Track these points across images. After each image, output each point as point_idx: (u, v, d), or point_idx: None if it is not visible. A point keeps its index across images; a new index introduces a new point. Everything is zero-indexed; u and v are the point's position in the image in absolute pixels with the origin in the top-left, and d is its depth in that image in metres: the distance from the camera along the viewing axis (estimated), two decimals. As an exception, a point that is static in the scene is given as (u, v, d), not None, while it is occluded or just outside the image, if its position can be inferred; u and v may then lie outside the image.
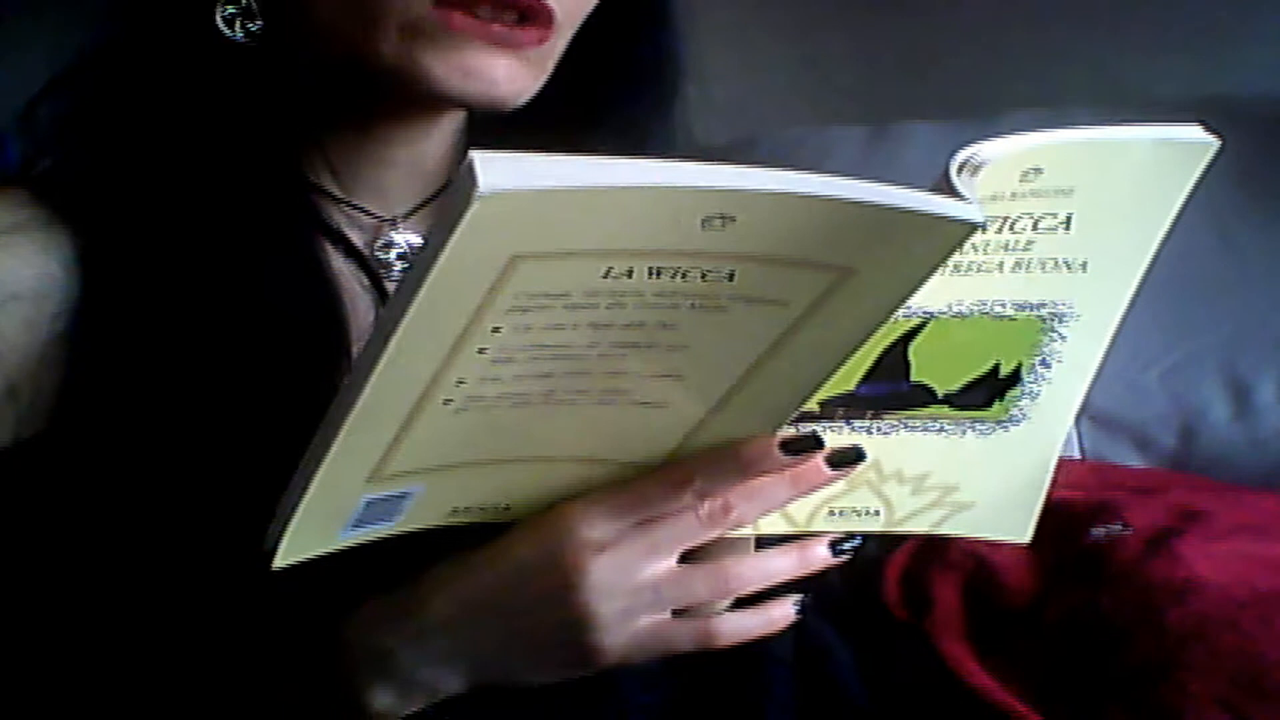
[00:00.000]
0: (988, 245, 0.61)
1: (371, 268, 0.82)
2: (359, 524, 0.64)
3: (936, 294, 0.62)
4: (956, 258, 0.59)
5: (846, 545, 0.69)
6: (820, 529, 0.70)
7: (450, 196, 0.47)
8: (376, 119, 0.81)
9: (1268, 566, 1.07)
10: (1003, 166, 0.57)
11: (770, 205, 0.51)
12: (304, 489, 0.59)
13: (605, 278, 0.53)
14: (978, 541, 0.88)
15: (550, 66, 0.77)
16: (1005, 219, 0.60)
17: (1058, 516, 0.74)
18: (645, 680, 0.80)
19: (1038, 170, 0.58)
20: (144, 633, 0.71)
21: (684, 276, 0.54)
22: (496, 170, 0.46)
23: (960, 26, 1.74)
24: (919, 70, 1.76)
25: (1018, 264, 0.62)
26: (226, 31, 0.77)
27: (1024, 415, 0.69)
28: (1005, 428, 0.69)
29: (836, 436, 0.66)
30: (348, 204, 0.82)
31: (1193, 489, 1.29)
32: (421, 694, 0.68)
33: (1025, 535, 0.74)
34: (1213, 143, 0.61)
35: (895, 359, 0.64)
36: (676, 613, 0.67)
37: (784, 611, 0.70)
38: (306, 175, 0.82)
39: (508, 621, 0.66)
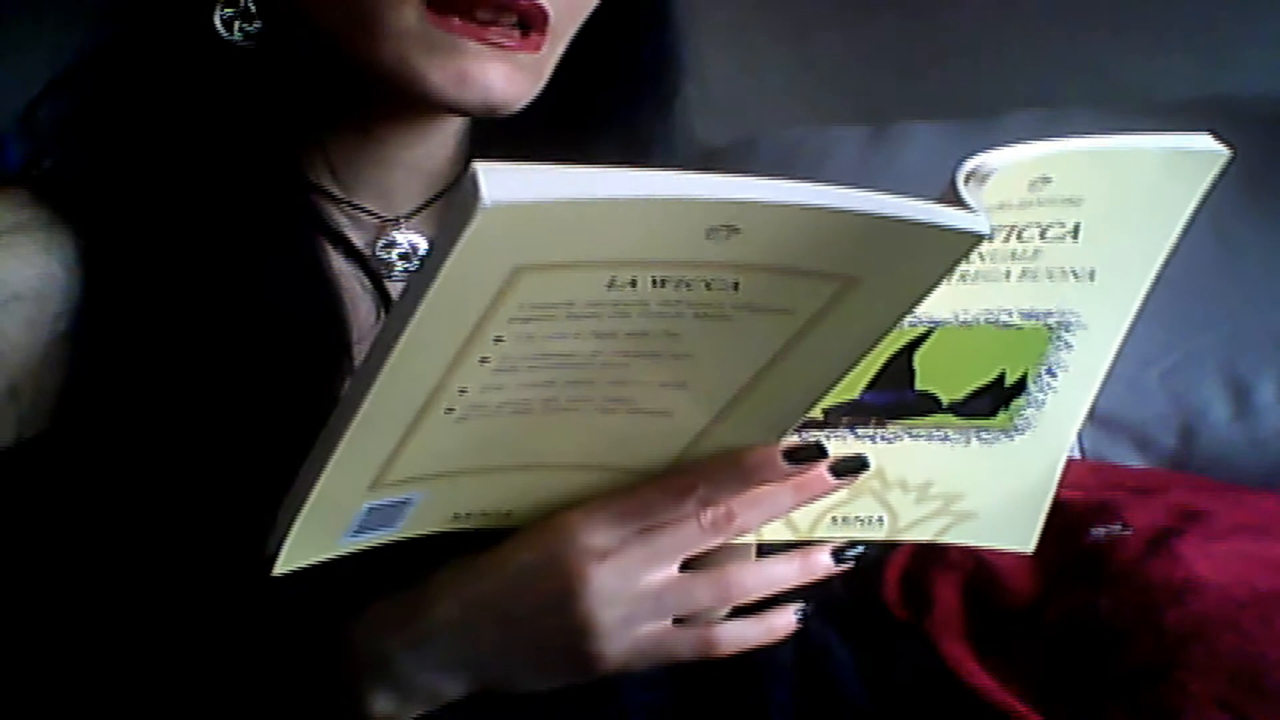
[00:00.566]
0: (995, 254, 0.61)
1: (372, 268, 0.82)
2: (360, 530, 0.64)
3: (942, 302, 0.61)
4: (963, 266, 0.59)
5: (849, 553, 0.69)
6: (823, 536, 0.70)
7: (453, 208, 0.47)
8: (377, 120, 0.81)
9: (1268, 566, 1.07)
10: (1010, 175, 0.56)
11: (776, 216, 0.51)
12: (305, 497, 0.59)
13: (609, 288, 0.53)
14: (979, 546, 0.88)
15: (547, 72, 0.76)
16: (1013, 228, 0.60)
17: (1058, 516, 0.73)
18: (646, 681, 0.80)
19: (1046, 179, 0.58)
20: (145, 634, 0.71)
21: (688, 286, 0.53)
22: (500, 182, 0.46)
23: (960, 27, 1.74)
24: (919, 70, 1.75)
25: (1025, 273, 0.62)
26: (224, 33, 0.77)
27: (1029, 424, 0.68)
28: (1010, 436, 0.69)
29: (840, 444, 0.66)
30: (349, 204, 0.82)
31: (1193, 489, 1.28)
32: (422, 698, 0.68)
33: (1029, 545, 0.74)
34: (1223, 152, 0.61)
35: (900, 367, 0.64)
36: (678, 620, 0.67)
37: (785, 620, 0.70)
38: (307, 176, 0.82)
39: (508, 627, 0.66)
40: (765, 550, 0.70)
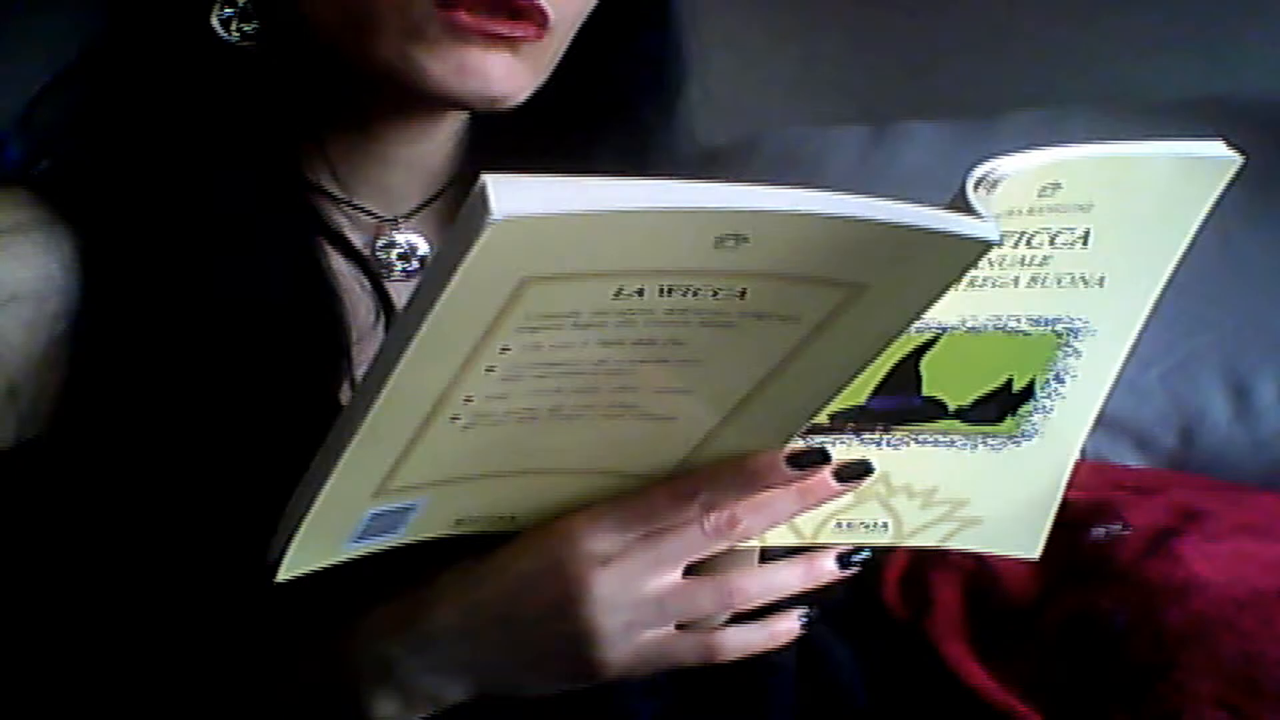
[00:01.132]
0: (1004, 260, 0.60)
1: (372, 268, 0.82)
2: (363, 536, 0.64)
3: (950, 308, 0.61)
4: (972, 272, 0.59)
5: (854, 559, 0.69)
6: (828, 541, 0.70)
7: (461, 220, 0.47)
8: (376, 118, 0.81)
9: (1268, 566, 1.06)
10: (1020, 181, 0.56)
11: (783, 224, 0.50)
12: (309, 504, 0.59)
13: (616, 297, 0.52)
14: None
15: (547, 66, 0.76)
16: (1022, 234, 0.60)
17: (1058, 516, 0.73)
18: (648, 687, 0.80)
19: (1056, 185, 0.58)
20: (147, 637, 0.71)
21: (695, 295, 0.53)
22: (509, 195, 0.46)
23: (960, 26, 1.74)
24: (919, 70, 1.75)
25: (1034, 279, 0.62)
26: (222, 33, 0.76)
27: (1036, 431, 0.68)
28: (1017, 443, 0.68)
29: (846, 449, 0.66)
30: (348, 204, 0.82)
31: (1193, 489, 1.28)
32: (424, 702, 0.68)
33: (1035, 551, 0.74)
34: (1235, 159, 0.61)
35: (907, 372, 0.64)
36: (680, 626, 0.67)
37: (788, 625, 0.69)
38: (306, 175, 0.82)
39: (511, 632, 0.66)
40: (769, 555, 0.69)
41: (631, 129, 0.86)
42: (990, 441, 0.68)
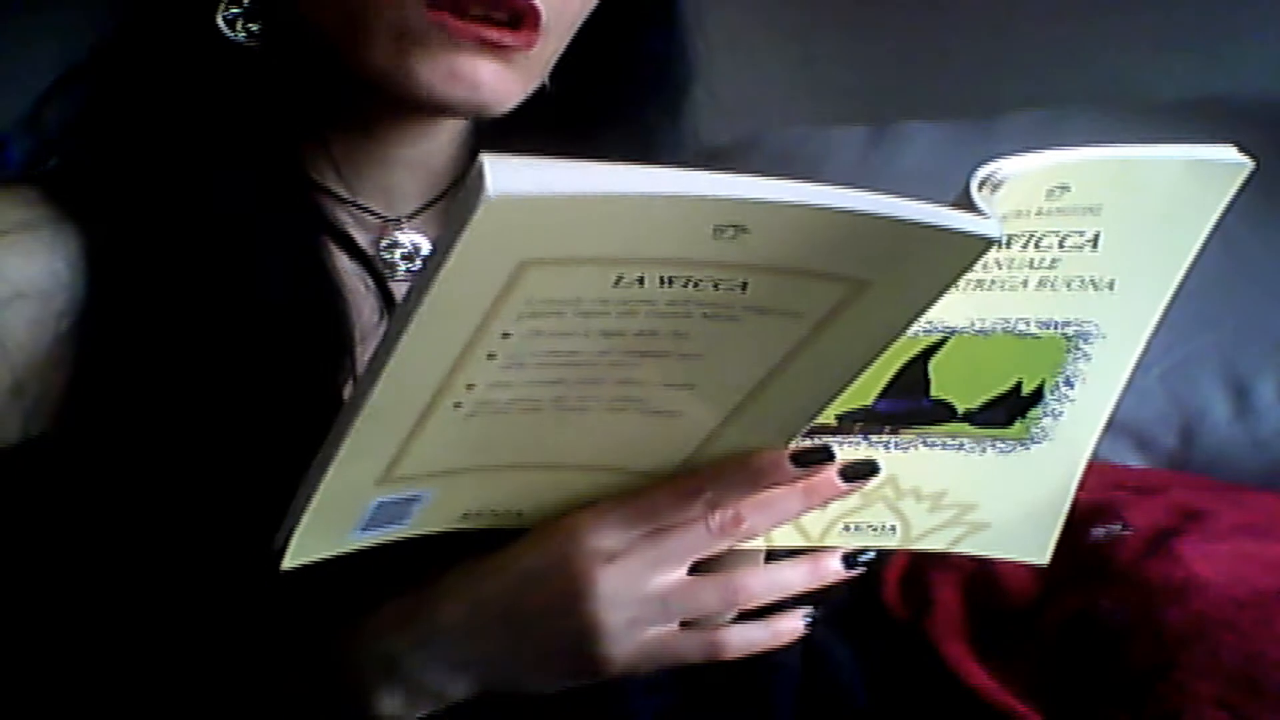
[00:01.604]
0: (1012, 262, 0.60)
1: (376, 268, 0.82)
2: (370, 526, 0.64)
3: (958, 310, 0.61)
4: (980, 274, 0.59)
5: (860, 558, 0.69)
6: (835, 544, 0.70)
7: (460, 199, 0.47)
8: (377, 119, 0.81)
9: (1268, 566, 1.06)
10: (1027, 183, 0.56)
11: (783, 216, 0.50)
12: (313, 490, 0.59)
13: (616, 285, 0.53)
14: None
15: (540, 72, 0.76)
16: (1031, 236, 0.59)
17: (1059, 517, 0.74)
18: (652, 684, 0.80)
19: (1064, 187, 0.58)
20: (151, 632, 0.71)
21: (696, 285, 0.53)
22: (506, 174, 0.46)
23: (960, 26, 1.74)
24: (919, 70, 1.76)
25: (1043, 282, 0.62)
26: (227, 32, 0.76)
27: (1045, 434, 0.68)
28: (1026, 446, 0.68)
29: (854, 451, 0.66)
30: (353, 204, 0.82)
31: (1193, 489, 1.28)
32: (429, 699, 0.68)
33: (1044, 557, 0.73)
34: (1246, 164, 0.60)
35: (915, 375, 0.64)
36: (685, 623, 0.67)
37: (792, 625, 0.69)
38: (311, 175, 0.82)
39: (515, 629, 0.66)
40: (774, 555, 0.70)
41: (636, 129, 0.86)
42: (999, 445, 0.68)
